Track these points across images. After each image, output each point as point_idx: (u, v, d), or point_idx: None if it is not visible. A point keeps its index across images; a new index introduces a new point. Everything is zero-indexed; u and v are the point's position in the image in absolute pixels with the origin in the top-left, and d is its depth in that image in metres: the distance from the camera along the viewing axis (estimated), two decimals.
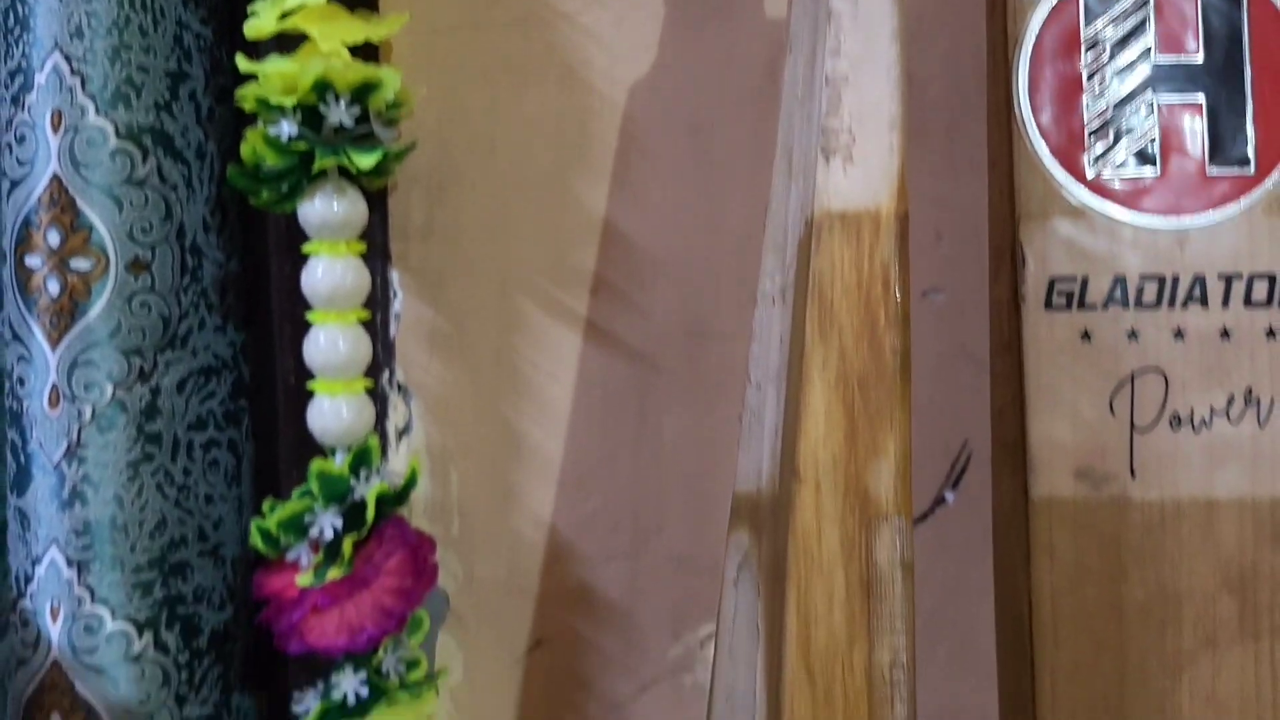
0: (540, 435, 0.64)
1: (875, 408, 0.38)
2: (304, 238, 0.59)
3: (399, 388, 0.63)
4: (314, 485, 0.56)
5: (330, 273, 0.58)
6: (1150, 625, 0.47)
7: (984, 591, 0.58)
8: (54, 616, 0.65)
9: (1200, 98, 0.48)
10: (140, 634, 0.66)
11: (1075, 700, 0.47)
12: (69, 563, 0.65)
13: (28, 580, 0.66)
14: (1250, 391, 0.47)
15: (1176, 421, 0.47)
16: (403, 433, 0.63)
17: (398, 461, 0.63)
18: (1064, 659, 0.47)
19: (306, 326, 0.59)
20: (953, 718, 0.68)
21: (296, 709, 0.59)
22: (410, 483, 0.59)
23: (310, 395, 0.59)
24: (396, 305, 0.62)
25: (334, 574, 0.57)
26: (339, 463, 0.57)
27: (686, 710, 0.66)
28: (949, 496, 0.65)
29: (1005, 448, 0.50)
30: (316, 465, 0.56)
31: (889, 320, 0.39)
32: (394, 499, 0.58)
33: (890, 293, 0.39)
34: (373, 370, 0.61)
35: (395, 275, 0.64)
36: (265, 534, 0.57)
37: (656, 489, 0.64)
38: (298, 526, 0.56)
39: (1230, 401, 0.47)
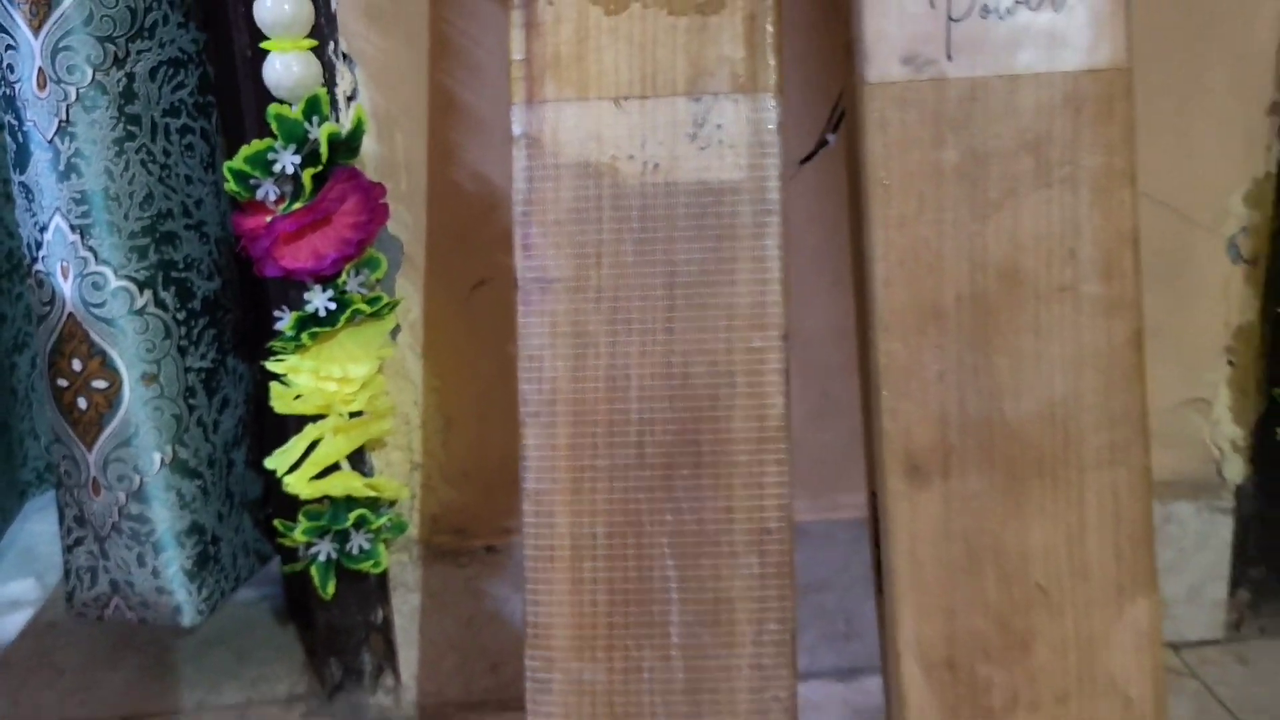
0: (472, 98, 0.73)
1: None
2: None
3: (344, 57, 0.71)
4: (274, 126, 0.66)
5: None
6: (963, 182, 0.57)
7: None
8: (64, 275, 0.76)
9: None
10: (141, 291, 0.77)
11: (903, 248, 0.57)
12: (72, 228, 0.75)
13: (38, 246, 0.77)
14: None
15: (985, 11, 0.56)
16: (350, 98, 0.72)
17: (348, 123, 0.72)
18: (894, 213, 0.57)
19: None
20: (833, 332, 0.79)
21: (277, 326, 0.70)
22: (358, 129, 0.69)
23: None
24: None
25: (296, 206, 0.67)
26: (293, 109, 0.66)
27: None
28: (830, 139, 0.75)
29: (847, 48, 0.59)
30: (274, 109, 0.66)
31: None
32: (344, 142, 0.68)
33: None
34: (319, 41, 0.69)
35: None
36: (236, 173, 0.66)
37: None
38: (262, 162, 0.66)
39: None
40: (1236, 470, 0.82)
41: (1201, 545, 0.82)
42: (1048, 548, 0.58)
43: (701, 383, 0.56)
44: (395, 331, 0.76)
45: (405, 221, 0.75)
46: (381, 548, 0.76)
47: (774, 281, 0.56)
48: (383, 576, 0.80)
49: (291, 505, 0.76)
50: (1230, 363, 0.80)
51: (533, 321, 0.56)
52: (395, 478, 0.79)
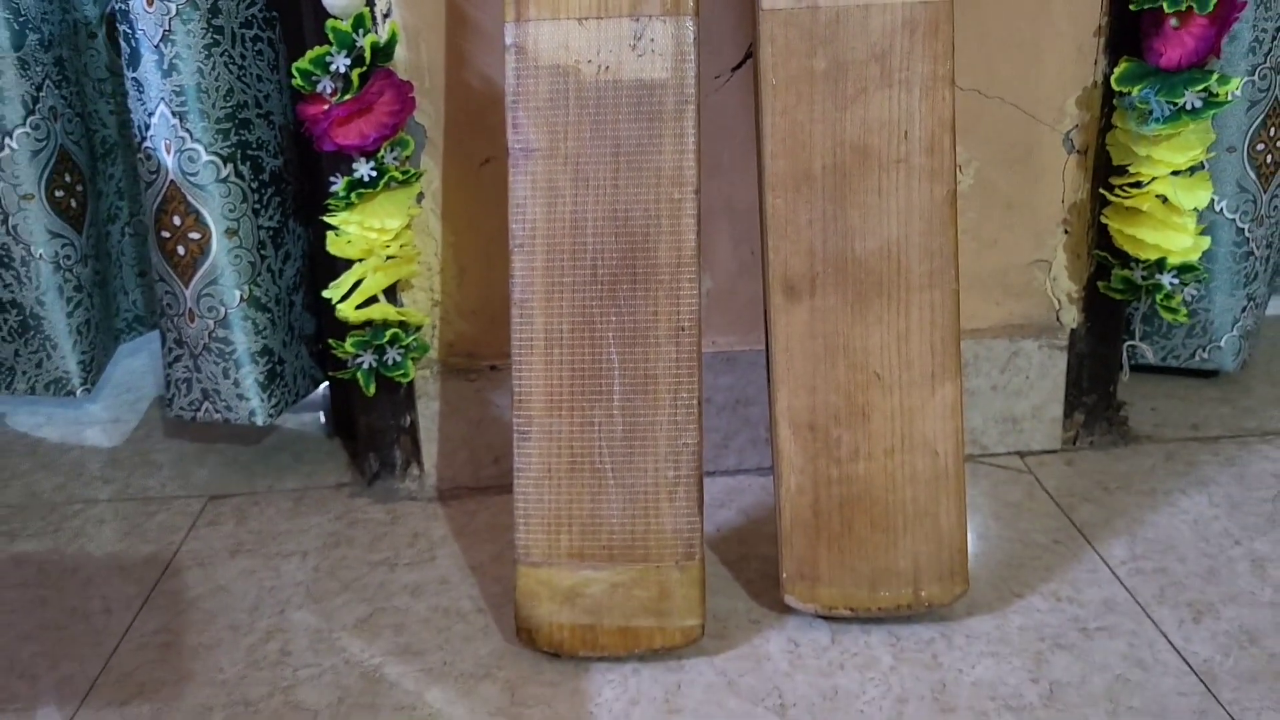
0: (479, 15, 0.95)
1: None
2: None
3: None
4: (330, 37, 0.88)
5: None
6: (829, 82, 0.80)
7: None
8: (168, 150, 0.99)
9: None
10: (224, 164, 1.00)
11: (785, 130, 0.80)
12: (173, 114, 0.98)
13: (146, 128, 1.00)
14: None
15: None
16: (386, 15, 0.94)
17: (385, 34, 0.94)
18: (779, 104, 0.80)
19: None
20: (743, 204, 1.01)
21: (332, 189, 0.93)
22: (392, 39, 0.91)
23: None
24: None
25: (346, 98, 0.89)
26: (344, 24, 0.88)
27: None
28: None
29: None
30: (331, 23, 0.88)
31: None
32: (383, 48, 0.90)
33: None
34: None
35: None
36: (302, 71, 0.89)
37: None
38: (321, 64, 0.89)
39: None
40: (1071, 317, 1.05)
41: (1043, 375, 1.06)
42: (882, 345, 0.82)
43: (637, 223, 0.79)
44: (420, 197, 0.99)
45: (428, 111, 0.97)
46: (410, 362, 1.00)
47: (690, 151, 0.79)
48: (410, 387, 1.04)
49: (340, 334, 1.00)
50: (1066, 231, 1.03)
51: (519, 179, 0.79)
52: (421, 311, 1.02)
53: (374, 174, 0.92)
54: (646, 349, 0.80)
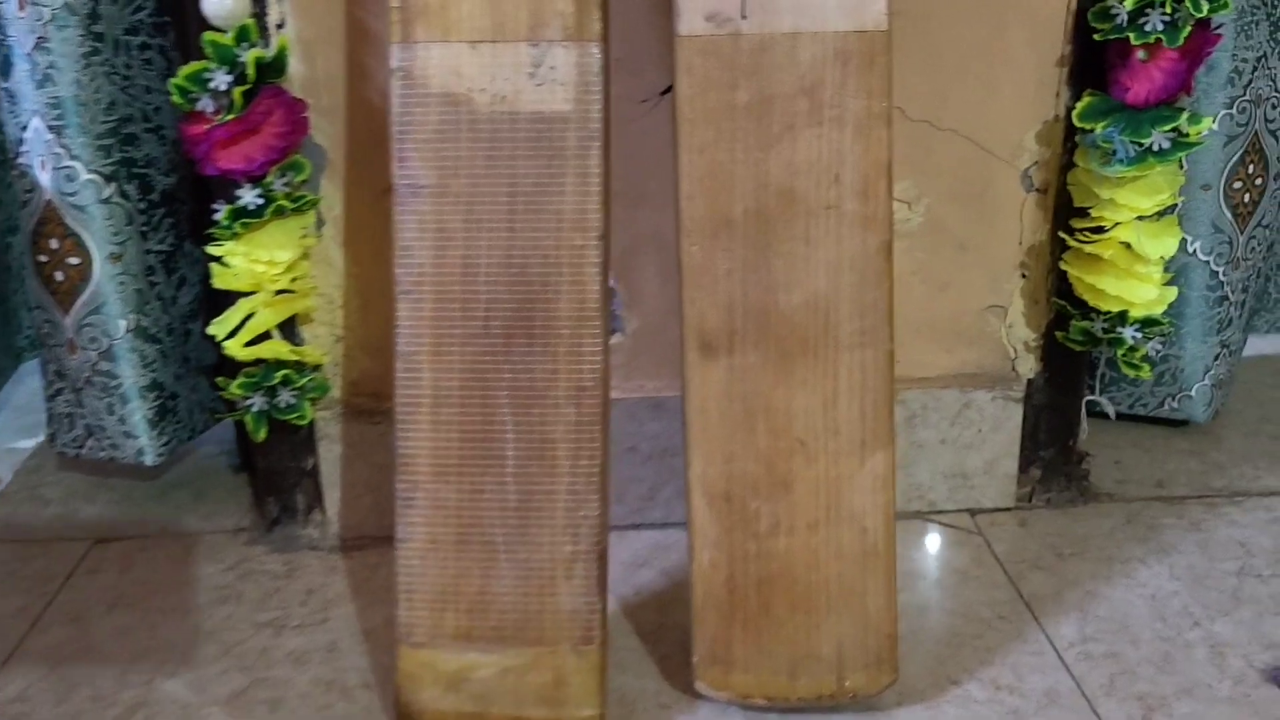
0: (381, 28, 0.86)
1: None
2: None
3: None
4: (208, 50, 0.79)
5: None
6: (752, 118, 0.71)
7: None
8: (43, 168, 0.91)
9: None
10: (107, 183, 0.91)
11: (703, 169, 0.72)
12: (49, 128, 0.89)
13: (20, 143, 0.91)
14: None
15: None
16: (279, 25, 0.86)
17: (273, 49, 0.85)
18: (696, 141, 0.72)
19: None
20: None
21: (215, 217, 0.85)
22: (281, 54, 0.83)
23: None
24: None
25: (229, 118, 0.81)
26: (225, 36, 0.80)
27: None
28: None
29: (663, 7, 0.72)
30: (208, 36, 0.79)
31: None
32: (270, 64, 0.82)
33: None
34: None
35: None
36: (179, 88, 0.81)
37: None
38: (199, 80, 0.80)
39: None
40: (1028, 366, 0.97)
41: (997, 428, 0.98)
42: (808, 409, 0.74)
43: (535, 272, 0.71)
44: (320, 224, 0.91)
45: (327, 132, 0.89)
46: (306, 404, 0.92)
47: (594, 194, 0.70)
48: (311, 429, 0.96)
49: (239, 369, 0.91)
50: (1023, 275, 0.95)
51: (406, 219, 0.71)
52: (320, 349, 0.94)
53: (260, 202, 0.83)
54: (544, 410, 0.72)
